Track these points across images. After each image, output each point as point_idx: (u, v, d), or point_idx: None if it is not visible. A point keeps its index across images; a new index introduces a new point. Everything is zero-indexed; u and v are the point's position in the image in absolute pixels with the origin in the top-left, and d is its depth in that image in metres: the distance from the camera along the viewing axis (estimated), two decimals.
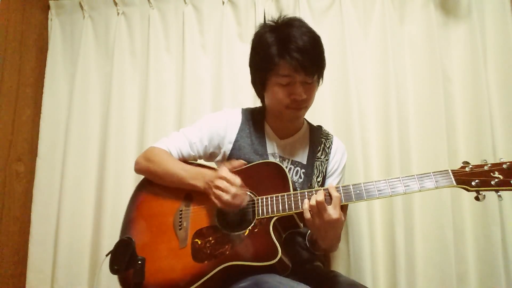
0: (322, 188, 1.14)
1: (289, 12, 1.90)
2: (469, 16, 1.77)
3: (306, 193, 1.14)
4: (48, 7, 2.13)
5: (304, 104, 1.28)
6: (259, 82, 1.31)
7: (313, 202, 1.08)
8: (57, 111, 2.05)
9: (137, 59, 2.02)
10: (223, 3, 1.95)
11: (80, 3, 2.08)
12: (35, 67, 2.05)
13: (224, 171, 1.17)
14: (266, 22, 1.30)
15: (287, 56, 1.18)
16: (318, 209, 1.07)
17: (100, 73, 2.05)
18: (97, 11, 2.08)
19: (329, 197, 1.09)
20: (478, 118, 1.70)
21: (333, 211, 1.07)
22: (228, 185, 1.13)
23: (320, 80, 1.32)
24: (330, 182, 1.38)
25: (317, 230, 1.12)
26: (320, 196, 1.07)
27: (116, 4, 2.05)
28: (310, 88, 1.26)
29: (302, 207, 1.11)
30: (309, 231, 1.35)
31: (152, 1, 2.01)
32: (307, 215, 1.09)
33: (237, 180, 1.15)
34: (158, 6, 2.02)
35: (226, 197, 1.12)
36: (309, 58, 1.19)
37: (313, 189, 1.14)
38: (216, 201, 1.14)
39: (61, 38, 2.11)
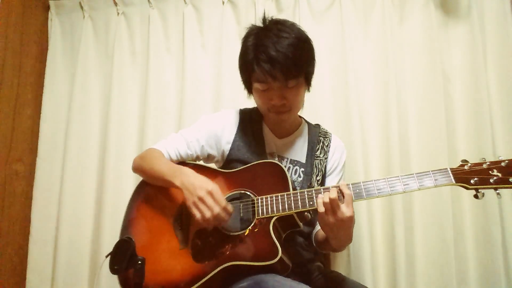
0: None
1: (289, 12, 1.91)
2: (469, 16, 1.78)
3: (306, 192, 1.14)
4: (48, 7, 2.12)
5: (285, 108, 1.26)
6: (245, 85, 1.33)
7: (326, 199, 1.07)
8: (57, 111, 2.05)
9: (137, 59, 2.02)
10: (223, 3, 1.95)
11: (80, 3, 2.08)
12: (35, 67, 2.05)
13: (213, 186, 1.14)
14: (254, 24, 1.29)
15: (257, 66, 1.19)
16: (332, 207, 1.06)
17: (100, 73, 2.05)
18: (97, 11, 2.08)
19: (341, 195, 1.08)
20: (478, 118, 1.70)
21: (346, 209, 1.06)
22: (213, 203, 1.11)
23: (309, 80, 1.29)
24: (330, 181, 1.38)
25: (330, 229, 1.11)
26: (333, 193, 1.07)
27: (116, 4, 2.05)
28: (291, 91, 1.23)
29: (316, 202, 1.09)
30: (314, 230, 1.36)
31: (152, 1, 2.01)
32: (321, 209, 1.07)
33: (223, 202, 1.12)
34: (158, 6, 2.02)
35: (208, 215, 1.10)
36: (280, 67, 1.16)
37: (313, 189, 1.15)
38: (195, 211, 1.12)
39: (61, 38, 2.11)
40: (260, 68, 1.18)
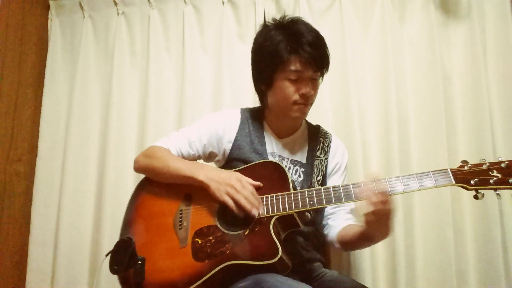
0: (320, 187, 1.14)
1: (289, 12, 1.90)
2: (469, 16, 1.78)
3: (306, 192, 1.14)
4: (48, 7, 2.13)
5: (311, 100, 1.30)
6: (265, 79, 1.30)
7: (373, 197, 1.04)
8: (57, 111, 2.05)
9: (137, 59, 2.02)
10: (223, 3, 1.96)
11: (80, 3, 2.08)
12: (35, 67, 2.05)
13: (239, 174, 1.19)
14: (268, 21, 1.32)
15: (300, 50, 1.21)
16: (383, 201, 1.04)
17: (100, 73, 2.05)
18: (97, 11, 2.09)
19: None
20: (478, 118, 1.70)
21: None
22: (244, 189, 1.14)
23: (321, 78, 1.34)
24: (335, 181, 1.39)
25: (378, 225, 1.10)
26: (381, 186, 1.05)
27: (116, 4, 2.05)
28: (316, 84, 1.30)
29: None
30: (332, 232, 1.34)
31: (152, 1, 2.01)
32: (371, 217, 1.06)
33: (252, 189, 1.16)
34: (158, 6, 2.02)
35: (243, 201, 1.12)
36: (319, 52, 1.23)
37: (313, 188, 1.15)
38: (228, 200, 1.14)
39: (61, 38, 2.11)
40: (303, 53, 1.21)
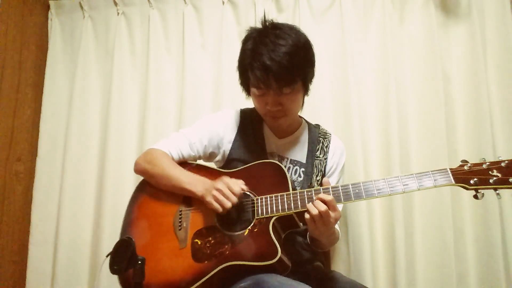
0: (319, 187, 1.14)
1: (289, 12, 1.91)
2: (469, 16, 1.78)
3: (305, 192, 1.14)
4: (48, 7, 2.13)
5: (280, 113, 1.26)
6: (243, 87, 1.34)
7: (315, 212, 1.08)
8: (57, 111, 2.05)
9: (137, 59, 2.02)
10: (223, 3, 1.95)
11: (80, 3, 2.08)
12: (35, 67, 2.05)
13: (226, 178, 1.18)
14: (253, 27, 1.29)
15: (252, 72, 1.20)
16: (324, 218, 1.09)
17: (100, 73, 2.05)
18: (97, 11, 2.08)
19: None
20: (478, 118, 1.70)
21: (333, 215, 1.10)
22: (229, 193, 1.14)
23: (306, 85, 1.29)
24: (331, 183, 1.38)
25: (317, 233, 1.15)
26: (322, 206, 1.08)
27: (116, 4, 2.05)
28: (287, 97, 1.23)
29: (304, 221, 1.12)
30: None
31: (152, 1, 2.01)
32: (312, 226, 1.11)
33: (237, 188, 1.15)
34: (158, 6, 2.02)
35: (227, 204, 1.13)
36: (273, 75, 1.15)
37: (313, 189, 1.15)
38: (214, 203, 1.14)
39: (61, 38, 2.11)
40: (254, 75, 1.19)
